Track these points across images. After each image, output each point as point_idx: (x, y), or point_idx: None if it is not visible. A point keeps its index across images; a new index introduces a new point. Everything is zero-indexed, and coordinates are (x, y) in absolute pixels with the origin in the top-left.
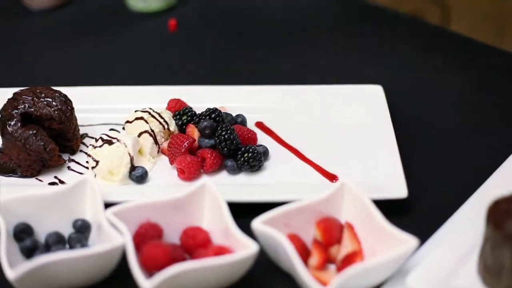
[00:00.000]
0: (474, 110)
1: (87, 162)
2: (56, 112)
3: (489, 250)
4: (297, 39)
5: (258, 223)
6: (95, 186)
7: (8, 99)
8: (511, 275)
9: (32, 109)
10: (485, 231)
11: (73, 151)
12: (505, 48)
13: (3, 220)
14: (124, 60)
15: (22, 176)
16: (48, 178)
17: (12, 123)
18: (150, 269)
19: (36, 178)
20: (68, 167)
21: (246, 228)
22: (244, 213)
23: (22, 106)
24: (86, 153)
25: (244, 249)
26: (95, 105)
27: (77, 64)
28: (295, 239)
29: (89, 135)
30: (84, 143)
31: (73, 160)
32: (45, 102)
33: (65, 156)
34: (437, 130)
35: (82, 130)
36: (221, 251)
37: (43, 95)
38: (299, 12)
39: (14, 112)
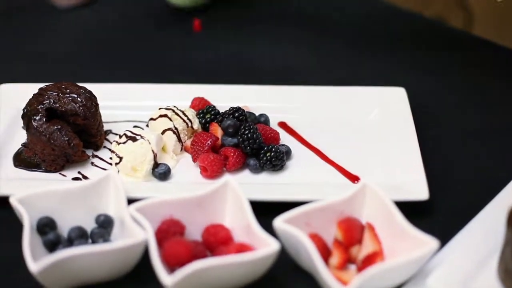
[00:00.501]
0: (497, 112)
1: (110, 158)
2: (81, 108)
3: (509, 253)
4: (322, 40)
5: (279, 222)
6: (119, 182)
7: (34, 94)
8: None
9: (57, 105)
10: (506, 235)
11: (97, 147)
12: None
13: (27, 213)
14: (149, 58)
15: (46, 171)
16: (71, 173)
17: (37, 118)
18: (171, 265)
19: (60, 173)
20: (92, 163)
21: (267, 227)
22: (265, 212)
23: (48, 102)
24: (109, 150)
25: (265, 247)
26: (119, 102)
27: (102, 62)
28: (316, 239)
29: (113, 131)
30: (108, 140)
31: (96, 156)
32: (70, 98)
33: (89, 152)
34: (460, 132)
35: (106, 127)
36: (243, 248)
37: (68, 90)
38: (327, 12)
39: (39, 107)
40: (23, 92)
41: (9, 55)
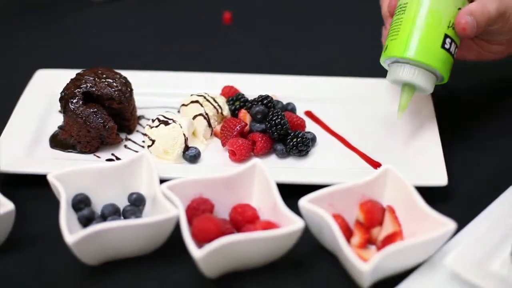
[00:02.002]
0: None
1: (143, 141)
2: (116, 93)
3: None
4: (348, 31)
5: (304, 202)
6: (151, 162)
7: (71, 79)
8: None
9: (94, 89)
10: None
11: (130, 131)
12: None
13: (63, 190)
14: (181, 47)
15: (81, 152)
16: (105, 155)
17: (75, 101)
18: (200, 241)
19: (94, 155)
20: (125, 146)
21: (291, 209)
22: (289, 195)
23: (84, 86)
24: (142, 133)
25: (290, 224)
26: (152, 89)
27: (136, 50)
28: (339, 219)
29: (145, 117)
30: (140, 124)
31: (129, 139)
32: (106, 83)
33: (122, 136)
34: (478, 120)
35: (138, 112)
36: (269, 226)
37: (104, 76)
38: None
39: (76, 91)
40: (58, 77)
41: (45, 46)
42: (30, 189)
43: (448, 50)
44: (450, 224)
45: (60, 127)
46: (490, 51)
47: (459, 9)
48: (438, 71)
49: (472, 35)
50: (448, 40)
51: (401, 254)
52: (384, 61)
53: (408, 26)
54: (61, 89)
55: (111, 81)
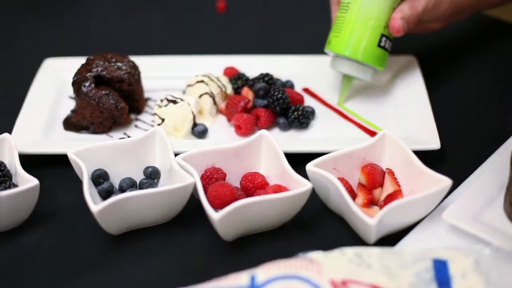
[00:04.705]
0: (506, 72)
1: (152, 121)
2: (126, 75)
3: None
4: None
5: (311, 166)
6: (165, 136)
7: (82, 64)
8: None
9: (104, 72)
10: (510, 172)
11: (139, 111)
12: None
13: (84, 165)
14: (182, 33)
15: (94, 132)
16: (118, 134)
17: (87, 84)
18: (215, 206)
19: (107, 134)
20: (135, 125)
21: None
22: (293, 165)
23: (96, 70)
24: (151, 114)
25: (300, 187)
26: (157, 73)
27: (142, 37)
28: (343, 181)
29: (152, 99)
30: (148, 106)
31: (139, 120)
32: (116, 66)
33: (132, 116)
34: (468, 91)
35: (145, 95)
36: (279, 189)
37: (114, 60)
38: None
39: (88, 75)
40: (65, 65)
41: (50, 37)
42: (45, 170)
43: (383, 47)
44: (446, 181)
45: (72, 111)
46: (431, 27)
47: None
48: (374, 66)
49: (404, 33)
50: (384, 39)
51: (404, 209)
52: (327, 51)
53: (348, 26)
54: (69, 76)
55: (121, 64)
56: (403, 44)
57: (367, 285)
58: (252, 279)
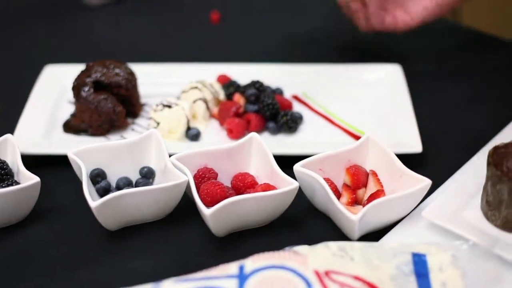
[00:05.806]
0: (483, 80)
1: (148, 125)
2: (123, 81)
3: (490, 187)
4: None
5: (298, 166)
6: (160, 138)
7: (82, 70)
8: (508, 207)
9: (103, 78)
10: (487, 172)
11: (136, 116)
12: None
13: (83, 164)
14: (175, 43)
15: (93, 135)
16: (115, 137)
17: (86, 89)
18: (207, 204)
19: (105, 137)
20: (132, 129)
21: None
22: (281, 167)
23: (95, 75)
24: (147, 118)
25: (287, 186)
26: (154, 79)
27: (140, 46)
28: (329, 182)
29: (148, 104)
30: (144, 110)
31: (135, 123)
32: (114, 72)
33: (129, 120)
34: (450, 98)
35: (142, 101)
36: (268, 187)
37: (112, 66)
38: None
39: (87, 80)
40: (65, 71)
41: (50, 44)
42: (45, 170)
43: None
44: (426, 181)
45: (72, 115)
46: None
47: None
48: None
49: None
50: None
51: (386, 206)
52: None
53: None
54: (69, 82)
55: (119, 70)
56: (389, 52)
57: (350, 276)
58: (241, 268)
